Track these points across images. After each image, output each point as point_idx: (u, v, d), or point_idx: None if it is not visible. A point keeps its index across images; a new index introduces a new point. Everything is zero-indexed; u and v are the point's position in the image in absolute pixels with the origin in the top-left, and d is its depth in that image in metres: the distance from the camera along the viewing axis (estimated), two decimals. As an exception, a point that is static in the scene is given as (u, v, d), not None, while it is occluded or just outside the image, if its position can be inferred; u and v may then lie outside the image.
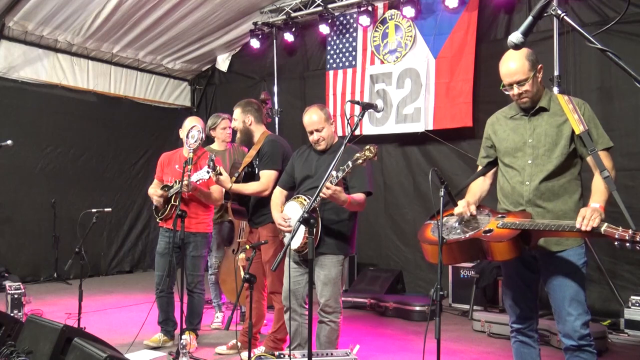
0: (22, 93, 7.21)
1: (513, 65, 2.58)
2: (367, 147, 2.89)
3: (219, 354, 4.22)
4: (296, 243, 3.30)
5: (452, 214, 2.79)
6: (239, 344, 4.17)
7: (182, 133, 4.40)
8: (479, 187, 2.88)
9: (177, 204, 4.10)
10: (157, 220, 4.46)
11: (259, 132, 4.15)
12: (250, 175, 4.04)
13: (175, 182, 4.23)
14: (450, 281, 5.92)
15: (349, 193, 3.25)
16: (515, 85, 2.59)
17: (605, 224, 2.21)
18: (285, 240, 3.48)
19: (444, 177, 3.07)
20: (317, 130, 3.43)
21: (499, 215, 2.61)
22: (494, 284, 5.52)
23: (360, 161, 2.89)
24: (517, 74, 2.58)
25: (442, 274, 2.64)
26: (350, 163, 2.91)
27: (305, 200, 3.32)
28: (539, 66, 2.60)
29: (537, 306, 2.76)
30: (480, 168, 2.93)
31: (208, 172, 3.77)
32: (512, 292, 2.76)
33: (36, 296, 5.94)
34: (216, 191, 4.30)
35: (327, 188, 2.90)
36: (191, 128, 4.01)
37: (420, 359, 2.81)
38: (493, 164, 2.87)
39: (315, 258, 3.34)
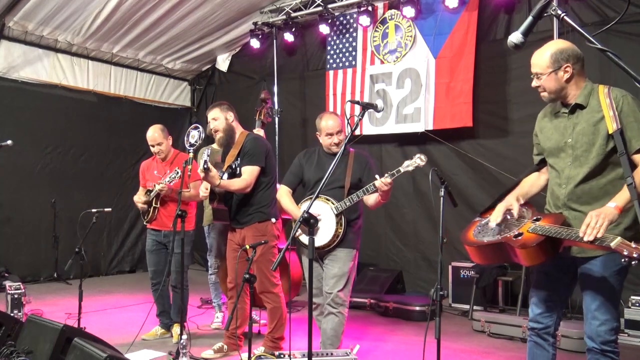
0: (22, 93, 7.20)
1: (535, 56, 2.51)
2: (418, 155, 3.35)
3: (206, 359, 4.10)
4: (326, 238, 3.52)
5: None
6: (225, 346, 4.16)
7: (154, 148, 4.69)
8: (530, 182, 2.77)
9: (157, 205, 4.55)
10: (144, 223, 4.77)
11: (238, 131, 4.15)
12: (232, 177, 4.02)
13: (155, 185, 4.49)
14: (450, 281, 5.91)
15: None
16: (534, 76, 2.53)
17: (619, 239, 2.07)
18: (302, 239, 3.66)
19: (444, 177, 3.07)
20: (338, 133, 3.68)
21: (534, 218, 2.53)
22: (494, 284, 5.53)
23: (411, 168, 3.35)
24: (535, 66, 2.51)
25: (442, 274, 2.64)
26: (401, 169, 3.35)
27: (328, 199, 3.56)
28: (565, 65, 2.44)
29: (559, 311, 2.65)
30: (534, 164, 2.82)
31: (177, 172, 4.13)
32: (536, 290, 2.68)
33: (36, 296, 5.95)
34: (194, 187, 4.47)
35: (386, 184, 3.32)
36: (191, 128, 4.01)
37: (420, 359, 2.81)
38: (545, 160, 2.74)
39: (331, 252, 3.60)
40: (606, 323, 2.42)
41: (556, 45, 2.48)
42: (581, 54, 2.50)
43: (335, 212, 3.53)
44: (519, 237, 2.43)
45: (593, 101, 2.48)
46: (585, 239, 2.15)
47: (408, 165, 3.35)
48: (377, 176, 3.38)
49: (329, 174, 2.70)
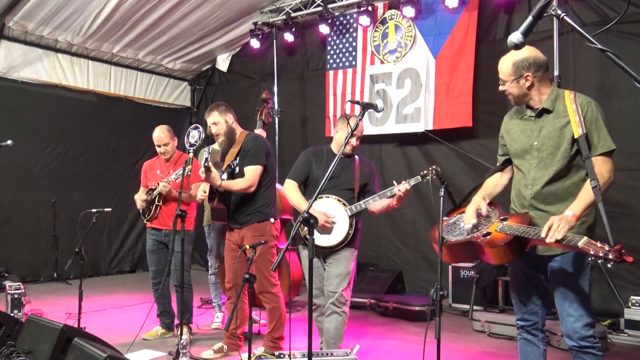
0: (22, 93, 7.20)
1: (500, 63, 2.64)
2: (434, 167, 3.54)
3: (206, 359, 4.10)
4: (338, 239, 3.57)
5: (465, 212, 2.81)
6: (224, 346, 4.16)
7: (160, 148, 4.64)
8: (494, 182, 2.87)
9: (160, 204, 4.52)
10: (145, 222, 4.73)
11: (238, 131, 4.14)
12: (231, 176, 4.00)
13: (158, 184, 4.47)
14: (450, 281, 5.91)
15: (367, 196, 3.69)
16: (500, 82, 2.67)
17: (585, 239, 2.16)
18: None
19: (444, 177, 3.09)
20: (358, 138, 3.74)
21: (502, 218, 2.61)
22: (494, 284, 5.52)
23: (428, 178, 3.52)
24: (499, 73, 2.65)
25: (442, 274, 2.64)
26: (419, 177, 3.57)
27: (340, 200, 3.61)
28: (526, 74, 2.54)
29: (543, 306, 2.71)
30: (498, 164, 2.91)
31: (184, 170, 3.95)
32: (516, 290, 2.76)
33: (36, 296, 5.94)
34: (196, 188, 4.41)
35: (405, 191, 3.51)
36: (191, 128, 4.01)
37: (420, 359, 2.81)
38: (510, 160, 2.83)
39: (335, 252, 3.63)
40: (580, 319, 2.48)
41: (519, 53, 2.54)
42: (544, 62, 2.59)
43: (350, 214, 3.59)
44: (488, 237, 2.52)
45: (559, 106, 2.57)
46: (547, 240, 2.26)
47: (426, 175, 3.53)
48: (394, 182, 3.49)
49: (330, 172, 2.72)
